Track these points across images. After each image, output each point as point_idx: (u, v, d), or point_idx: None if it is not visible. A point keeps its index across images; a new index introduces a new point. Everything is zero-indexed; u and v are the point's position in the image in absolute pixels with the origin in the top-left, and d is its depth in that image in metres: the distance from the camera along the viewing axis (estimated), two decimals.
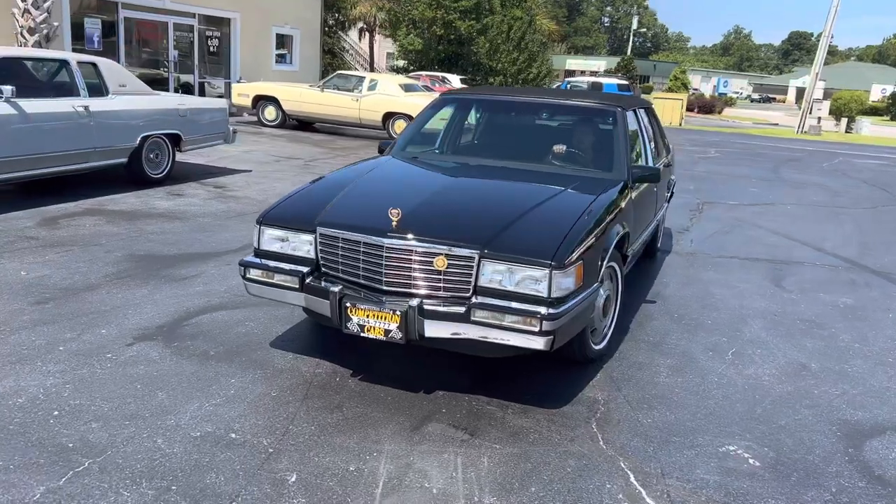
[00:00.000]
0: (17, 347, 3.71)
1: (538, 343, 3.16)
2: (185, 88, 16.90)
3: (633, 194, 4.43)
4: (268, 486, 2.67)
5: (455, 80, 26.20)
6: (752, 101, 75.92)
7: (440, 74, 26.29)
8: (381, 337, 3.32)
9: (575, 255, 3.29)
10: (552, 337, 3.16)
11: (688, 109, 43.87)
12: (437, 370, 3.80)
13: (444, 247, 3.28)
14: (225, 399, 3.32)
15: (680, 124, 29.55)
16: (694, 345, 4.42)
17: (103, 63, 7.81)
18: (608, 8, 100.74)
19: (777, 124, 36.56)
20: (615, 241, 3.82)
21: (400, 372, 3.75)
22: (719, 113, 44.96)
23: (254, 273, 3.64)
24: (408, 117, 13.78)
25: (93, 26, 13.98)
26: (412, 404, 3.39)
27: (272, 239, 3.67)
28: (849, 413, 3.61)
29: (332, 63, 29.08)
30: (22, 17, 11.58)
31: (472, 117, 5.46)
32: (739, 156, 17.41)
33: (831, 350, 4.50)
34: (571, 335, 3.43)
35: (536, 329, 3.12)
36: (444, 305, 3.26)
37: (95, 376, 3.45)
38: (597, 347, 4.00)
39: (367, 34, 32.25)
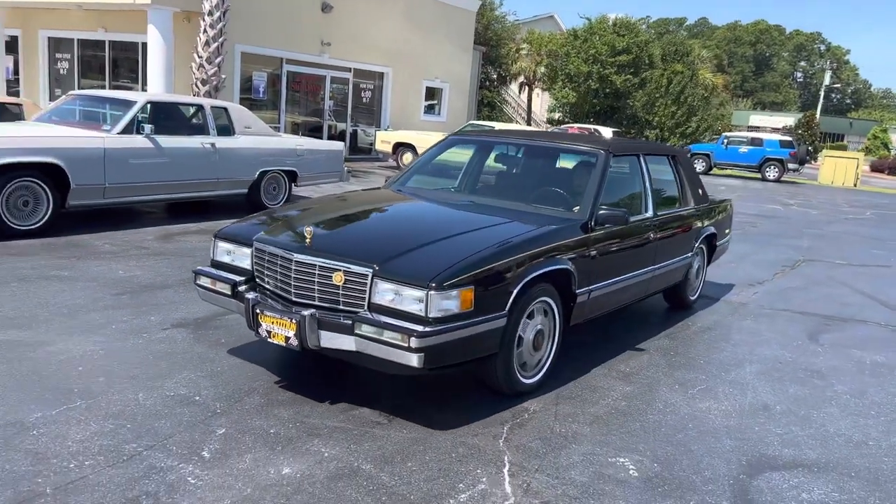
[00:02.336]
0: (83, 322, 4.71)
1: (412, 360, 3.33)
2: (340, 135, 18.69)
3: (599, 236, 4.48)
4: (198, 434, 3.34)
5: (607, 133, 26.38)
6: None
7: (591, 127, 26.60)
8: (283, 343, 3.69)
9: (462, 280, 3.45)
10: (423, 354, 3.32)
11: (876, 170, 40.64)
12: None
13: (343, 264, 3.58)
14: (209, 373, 4.05)
15: (855, 185, 27.54)
16: (667, 378, 4.56)
17: (233, 107, 9.20)
18: (802, 63, 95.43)
19: None
20: (537, 275, 3.87)
21: (376, 374, 4.30)
22: None
23: (202, 280, 4.22)
24: None
25: (259, 79, 16.05)
26: (359, 395, 3.93)
27: (223, 251, 4.22)
28: (773, 449, 3.65)
29: (490, 115, 30.45)
30: (197, 70, 13.64)
31: (471, 157, 5.70)
32: None
33: (812, 398, 4.44)
34: (456, 359, 3.58)
35: (406, 345, 3.31)
36: (340, 318, 3.54)
37: (125, 348, 4.34)
38: (527, 381, 4.08)
39: (526, 87, 33.35)
